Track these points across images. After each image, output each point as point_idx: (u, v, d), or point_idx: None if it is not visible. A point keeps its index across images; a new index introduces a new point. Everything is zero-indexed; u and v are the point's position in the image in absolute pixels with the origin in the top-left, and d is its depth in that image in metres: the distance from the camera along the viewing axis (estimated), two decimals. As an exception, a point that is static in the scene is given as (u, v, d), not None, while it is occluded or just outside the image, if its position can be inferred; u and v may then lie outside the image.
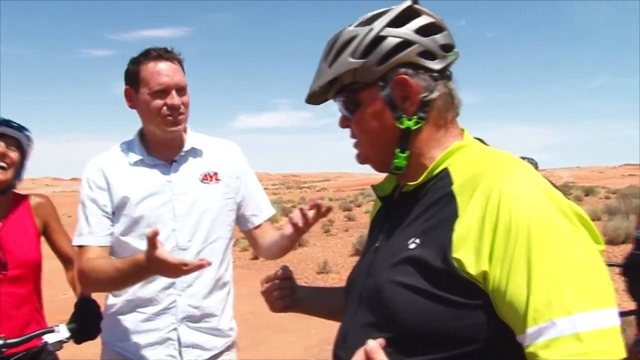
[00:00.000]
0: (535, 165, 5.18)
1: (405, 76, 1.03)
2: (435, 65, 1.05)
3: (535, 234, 0.86)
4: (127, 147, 2.03)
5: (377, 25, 1.05)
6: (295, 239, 1.85)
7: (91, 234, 1.91)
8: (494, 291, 0.88)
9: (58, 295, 6.38)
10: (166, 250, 1.55)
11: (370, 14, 1.09)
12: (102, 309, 2.09)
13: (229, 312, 2.08)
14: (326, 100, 1.16)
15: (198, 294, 1.95)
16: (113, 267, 1.76)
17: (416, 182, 1.06)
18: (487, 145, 1.12)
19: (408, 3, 1.07)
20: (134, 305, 1.94)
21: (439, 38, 1.06)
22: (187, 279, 1.89)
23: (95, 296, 2.21)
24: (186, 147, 2.01)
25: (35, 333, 2.09)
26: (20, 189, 2.44)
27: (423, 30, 1.04)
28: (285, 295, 1.44)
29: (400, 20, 1.05)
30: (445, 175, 1.03)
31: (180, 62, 1.95)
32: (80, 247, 1.92)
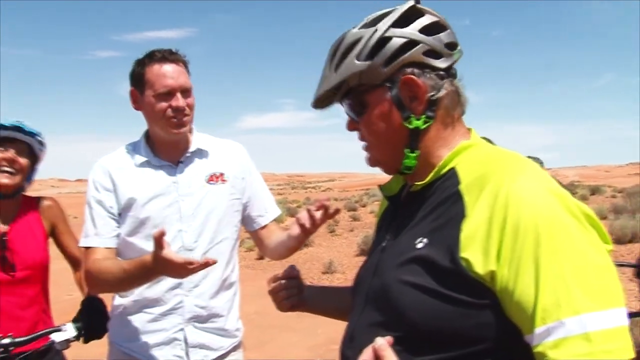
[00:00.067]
0: (540, 164, 5.16)
1: (412, 76, 1.03)
2: (441, 63, 1.05)
3: (543, 234, 0.86)
4: (133, 148, 2.04)
5: (382, 26, 1.05)
6: (302, 240, 1.85)
7: (97, 235, 1.92)
8: (501, 291, 0.88)
9: (63, 296, 6.40)
10: (172, 250, 1.56)
11: (373, 16, 1.09)
12: (109, 309, 2.10)
13: (235, 312, 2.09)
14: (332, 103, 1.16)
15: (205, 294, 1.96)
16: (120, 268, 1.77)
17: (423, 181, 1.06)
18: (494, 144, 1.12)
19: (411, 3, 1.07)
20: (140, 306, 1.95)
21: (444, 37, 1.06)
22: (193, 280, 1.90)
23: (102, 297, 2.22)
24: (192, 148, 2.02)
25: (42, 332, 2.10)
26: (27, 190, 2.45)
27: (427, 30, 1.05)
28: (292, 294, 1.45)
29: (404, 20, 1.05)
30: (452, 175, 1.03)
31: (185, 64, 1.95)
32: (87, 248, 1.94)
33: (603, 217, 13.56)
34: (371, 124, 1.09)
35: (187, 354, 1.94)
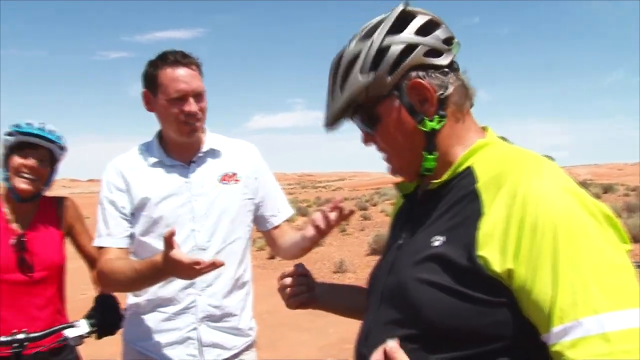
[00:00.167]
0: (553, 162, 5.11)
1: (418, 79, 1.03)
2: (443, 60, 1.04)
3: (561, 233, 0.85)
4: (146, 148, 2.05)
5: (377, 36, 1.04)
6: (316, 241, 1.86)
7: (110, 235, 1.94)
8: (519, 289, 0.87)
9: (77, 295, 6.46)
10: (182, 251, 1.57)
11: (366, 28, 1.08)
12: (123, 308, 2.11)
13: (248, 311, 2.09)
14: (343, 122, 1.15)
15: (218, 293, 1.96)
16: (131, 268, 1.78)
17: (440, 180, 1.06)
18: (510, 143, 1.11)
19: (401, 7, 1.06)
20: (154, 305, 1.96)
21: (440, 33, 1.05)
22: (206, 279, 1.90)
23: (116, 295, 2.23)
24: (205, 148, 2.03)
25: (56, 328, 2.12)
26: (45, 192, 2.46)
27: (423, 30, 1.04)
28: (302, 292, 1.44)
29: (398, 26, 1.04)
30: (469, 174, 1.03)
31: (198, 66, 1.96)
32: (100, 248, 1.95)
33: (616, 216, 13.41)
34: (387, 135, 1.09)
35: (200, 353, 1.95)
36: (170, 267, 1.57)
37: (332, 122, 1.14)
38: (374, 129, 1.10)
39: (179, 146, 2.00)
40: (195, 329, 1.94)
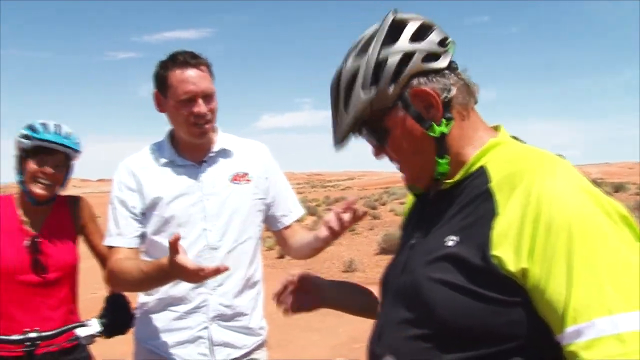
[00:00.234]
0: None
1: (420, 86, 1.02)
2: (441, 63, 1.04)
3: (576, 232, 0.85)
4: (158, 148, 2.06)
5: (373, 50, 1.04)
6: (329, 241, 1.87)
7: (120, 235, 1.95)
8: (533, 289, 0.87)
9: (87, 295, 6.50)
10: (187, 257, 1.58)
11: (359, 43, 1.07)
12: (134, 307, 2.12)
13: (259, 311, 2.09)
14: (351, 138, 1.14)
15: (229, 293, 1.97)
16: (138, 269, 1.80)
17: (453, 180, 1.06)
18: (523, 142, 1.10)
19: (391, 17, 1.05)
20: (165, 304, 1.97)
21: (434, 37, 1.05)
22: (217, 279, 1.90)
23: (128, 294, 2.24)
24: (216, 148, 2.03)
25: (67, 327, 2.14)
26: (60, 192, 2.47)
27: (417, 36, 1.04)
28: (299, 300, 1.44)
29: (391, 36, 1.04)
30: (481, 173, 1.02)
31: (208, 67, 1.95)
32: (110, 247, 1.97)
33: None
34: (397, 146, 1.08)
35: (211, 352, 1.95)
36: (176, 270, 1.59)
37: (341, 141, 1.13)
38: (383, 142, 1.10)
39: (190, 146, 2.01)
40: (206, 328, 1.95)
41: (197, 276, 1.57)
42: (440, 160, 1.05)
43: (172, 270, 1.60)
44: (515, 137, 1.12)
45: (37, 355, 2.04)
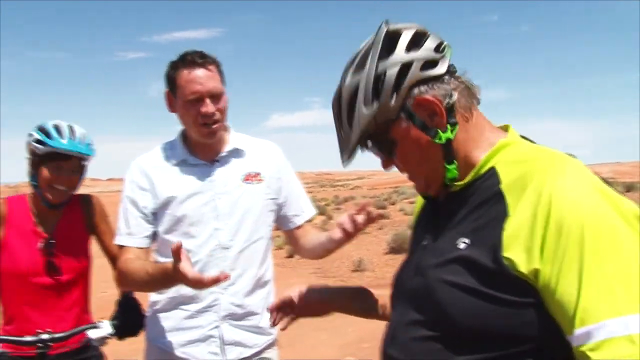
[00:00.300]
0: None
1: (421, 96, 1.02)
2: (440, 69, 1.03)
3: (588, 232, 0.84)
4: (170, 147, 2.07)
5: (370, 65, 1.03)
6: (343, 243, 1.88)
7: (130, 235, 1.96)
8: (544, 289, 0.87)
9: (97, 293, 6.55)
10: (189, 265, 1.58)
11: (356, 59, 1.07)
12: (146, 306, 2.13)
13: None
14: (357, 152, 1.14)
15: (240, 292, 1.98)
16: (145, 271, 1.81)
17: (463, 182, 1.05)
18: (532, 142, 1.10)
19: (384, 29, 1.05)
20: (177, 303, 1.98)
21: (430, 43, 1.04)
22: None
23: (140, 294, 2.25)
24: (228, 148, 2.03)
25: (79, 328, 2.16)
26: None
27: (412, 45, 1.03)
28: (299, 314, 1.44)
29: (387, 48, 1.03)
30: (492, 175, 1.02)
31: (217, 66, 1.95)
32: (120, 246, 1.98)
33: None
34: (405, 156, 1.09)
35: (222, 351, 1.96)
36: (178, 276, 1.60)
37: (348, 157, 1.13)
38: (391, 154, 1.10)
39: (202, 146, 2.01)
40: (217, 327, 1.96)
41: (198, 284, 1.58)
42: (449, 167, 1.05)
43: (175, 275, 1.60)
44: (524, 137, 1.11)
45: (49, 356, 2.06)
